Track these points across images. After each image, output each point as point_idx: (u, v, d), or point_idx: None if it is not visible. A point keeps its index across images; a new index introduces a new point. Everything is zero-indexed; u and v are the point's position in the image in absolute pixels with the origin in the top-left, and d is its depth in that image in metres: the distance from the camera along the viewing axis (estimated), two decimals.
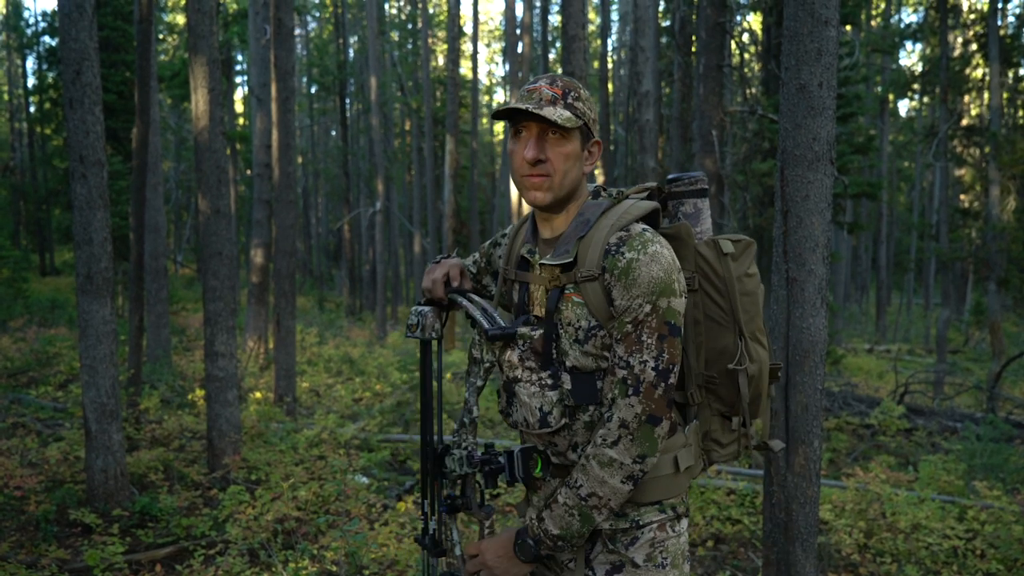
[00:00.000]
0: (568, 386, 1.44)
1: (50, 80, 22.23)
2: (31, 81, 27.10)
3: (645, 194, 1.58)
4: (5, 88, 31.89)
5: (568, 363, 1.44)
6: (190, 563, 3.43)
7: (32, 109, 26.35)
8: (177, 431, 5.75)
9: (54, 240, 25.13)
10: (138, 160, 6.27)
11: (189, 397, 6.77)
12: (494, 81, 41.10)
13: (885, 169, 23.10)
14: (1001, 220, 12.42)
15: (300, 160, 27.91)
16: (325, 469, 4.64)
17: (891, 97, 23.24)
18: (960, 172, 16.66)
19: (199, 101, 4.76)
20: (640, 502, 1.48)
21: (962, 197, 20.41)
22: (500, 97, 40.23)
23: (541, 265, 1.48)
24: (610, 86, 22.64)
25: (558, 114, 1.39)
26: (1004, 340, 12.27)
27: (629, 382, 1.37)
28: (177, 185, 26.16)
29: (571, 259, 1.42)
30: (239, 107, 29.76)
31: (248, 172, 21.90)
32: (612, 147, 21.00)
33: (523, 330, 1.47)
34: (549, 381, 1.45)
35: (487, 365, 1.58)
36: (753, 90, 9.31)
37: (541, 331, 1.45)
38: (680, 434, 1.53)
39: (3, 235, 17.23)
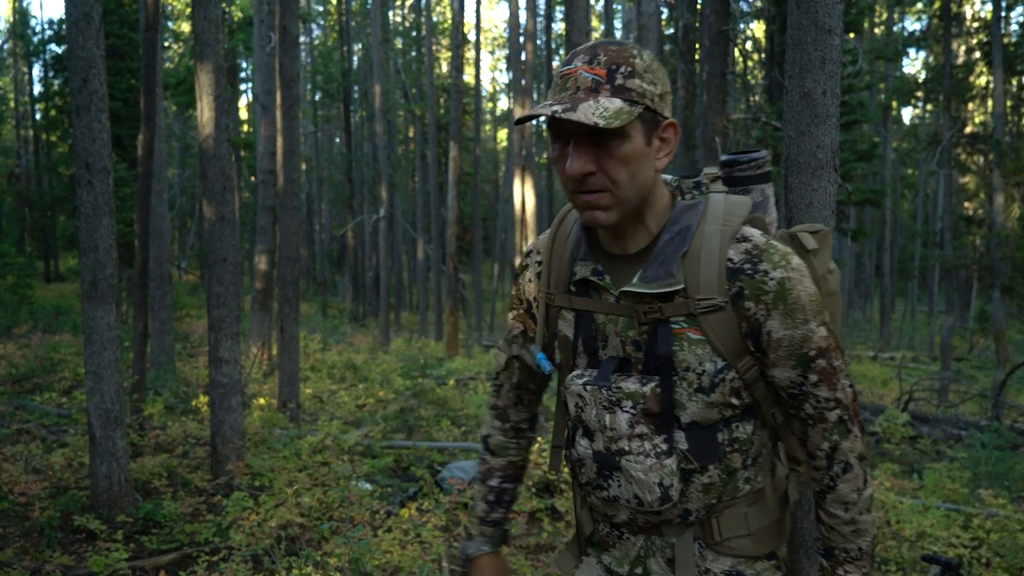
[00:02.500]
0: (684, 446, 1.14)
1: (56, 87, 22.37)
2: (37, 88, 27.28)
3: (719, 184, 1.28)
4: (11, 95, 32.09)
5: (685, 418, 1.14)
6: (194, 569, 3.43)
7: (38, 116, 26.50)
8: (181, 437, 5.75)
9: (58, 246, 25.23)
10: (143, 167, 6.30)
11: (193, 403, 6.78)
12: (498, 88, 41.25)
13: (888, 176, 23.10)
14: (1005, 227, 12.40)
15: (304, 167, 28.02)
16: (328, 475, 4.64)
17: (894, 104, 23.26)
18: (964, 179, 16.67)
19: (204, 108, 4.78)
20: (756, 555, 1.22)
21: (966, 204, 20.38)
22: (504, 104, 40.33)
23: (624, 293, 1.14)
24: None
25: (601, 109, 1.02)
26: (1009, 347, 12.23)
27: (845, 418, 1.17)
28: (181, 192, 26.26)
29: (681, 285, 1.10)
30: (243, 114, 29.90)
31: (252, 179, 21.99)
32: None
33: (631, 387, 1.12)
34: (664, 446, 1.13)
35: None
36: (756, 97, 9.33)
37: (654, 384, 1.12)
38: (780, 463, 1.29)
39: (8, 242, 17.32)
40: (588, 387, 1.16)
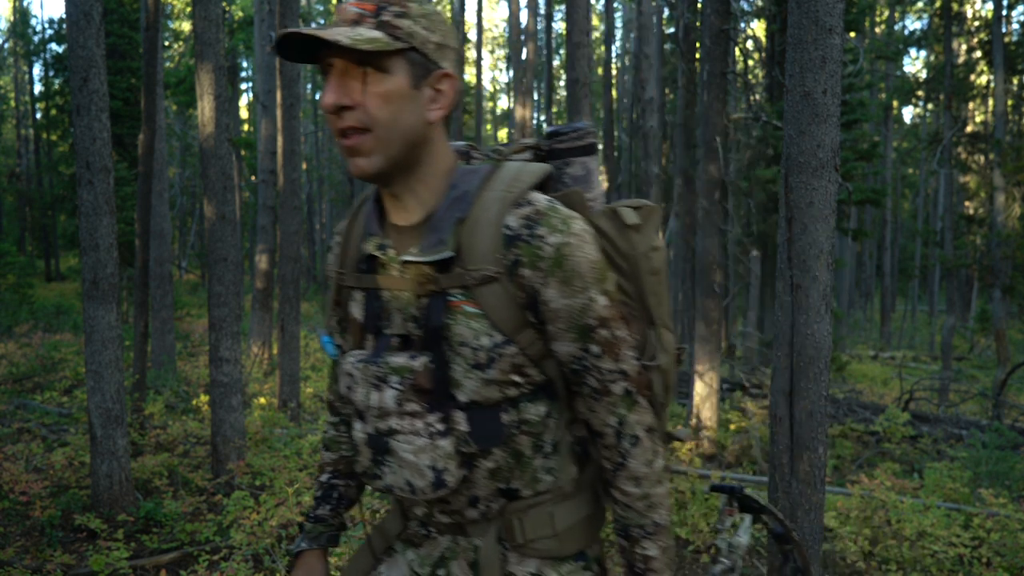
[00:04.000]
0: (464, 427, 1.06)
1: (56, 86, 22.39)
2: (37, 88, 27.31)
3: (527, 154, 1.23)
4: (12, 94, 32.12)
5: (463, 397, 1.06)
6: (195, 568, 3.44)
7: (38, 115, 26.52)
8: (181, 436, 5.76)
9: (59, 246, 25.25)
10: (144, 166, 6.30)
11: (193, 403, 6.78)
12: (498, 87, 41.25)
13: (889, 176, 23.10)
14: (1006, 227, 12.39)
15: (304, 166, 28.05)
16: None
17: (895, 104, 23.27)
18: (965, 179, 16.68)
19: (205, 108, 4.78)
20: (560, 555, 1.16)
21: (967, 204, 20.38)
22: (504, 103, 40.36)
23: (404, 263, 1.09)
24: (614, 92, 22.69)
25: (353, 34, 0.98)
26: (1009, 347, 12.24)
27: (632, 390, 1.12)
28: (182, 191, 26.27)
29: (451, 252, 1.05)
30: (244, 113, 29.92)
31: (253, 178, 22.00)
32: (616, 153, 21.03)
33: (398, 361, 1.06)
34: (440, 426, 1.05)
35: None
36: (757, 97, 9.33)
37: (426, 359, 1.05)
38: (593, 454, 1.21)
39: (9, 241, 17.34)
40: (359, 364, 1.09)
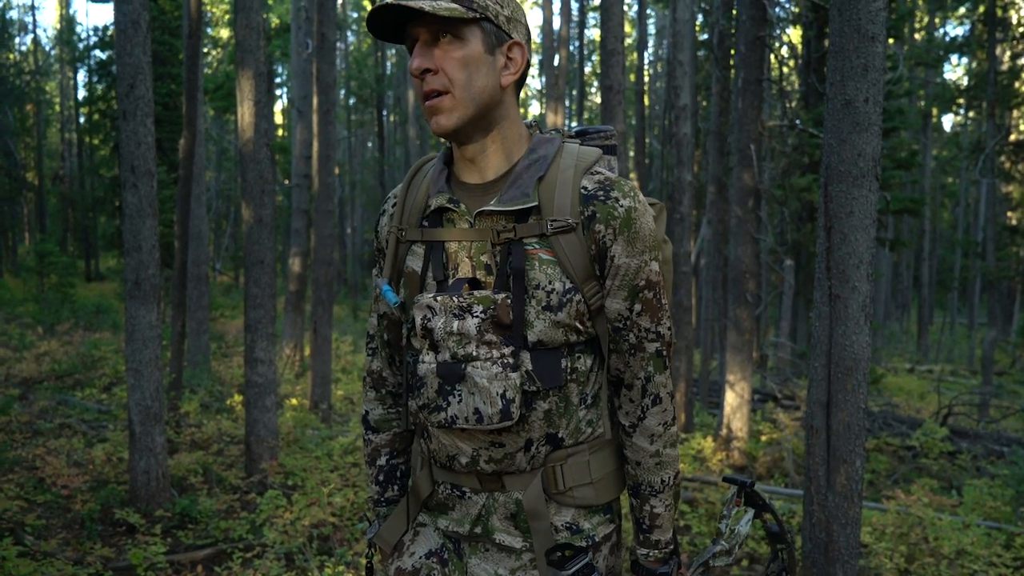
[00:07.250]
0: (529, 366, 1.16)
1: (99, 92, 22.99)
2: (81, 93, 28.11)
3: (577, 141, 1.35)
4: (57, 100, 33.06)
5: (532, 337, 1.15)
6: (229, 565, 3.49)
7: (82, 120, 27.27)
8: (216, 435, 5.86)
9: (99, 246, 25.89)
10: (184, 170, 6.44)
11: (227, 402, 6.90)
12: (530, 93, 41.29)
13: (928, 185, 22.60)
14: None
15: (337, 171, 28.36)
16: (359, 476, 4.69)
17: (935, 111, 22.78)
18: (1008, 189, 16.24)
19: (244, 113, 4.88)
20: (597, 504, 1.25)
21: (1009, 214, 19.86)
22: (535, 109, 40.39)
23: (480, 214, 1.17)
24: (646, 99, 22.60)
25: (435, 4, 1.10)
26: None
27: (664, 353, 1.23)
28: (217, 194, 26.77)
29: (535, 203, 1.14)
30: (279, 118, 30.40)
31: (286, 182, 22.31)
32: (648, 160, 20.92)
33: (483, 293, 1.14)
34: (511, 360, 1.14)
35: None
36: (792, 104, 9.22)
37: (506, 294, 1.14)
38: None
39: (52, 241, 17.81)
40: (438, 297, 1.16)
